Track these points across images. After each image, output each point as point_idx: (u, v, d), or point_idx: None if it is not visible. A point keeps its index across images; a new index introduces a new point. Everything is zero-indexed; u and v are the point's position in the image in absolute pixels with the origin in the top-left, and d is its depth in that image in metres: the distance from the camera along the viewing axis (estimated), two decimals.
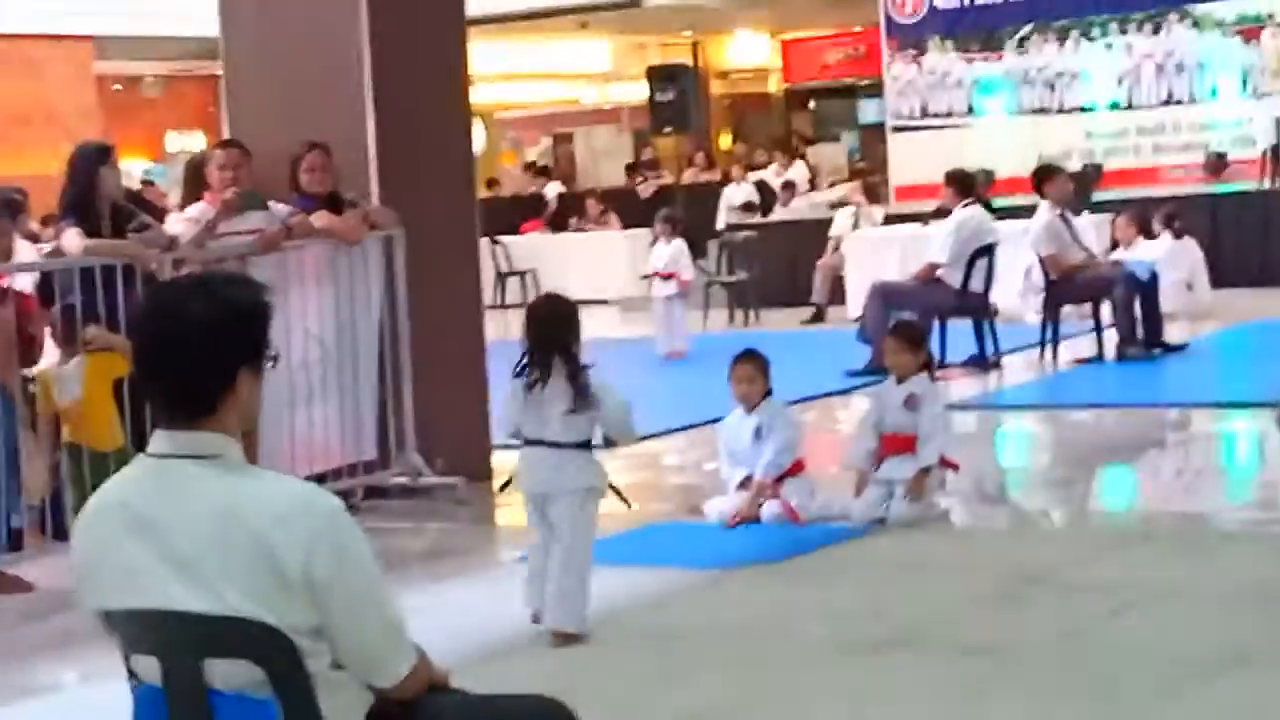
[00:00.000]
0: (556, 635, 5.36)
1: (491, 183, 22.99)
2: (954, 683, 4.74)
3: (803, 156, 22.04)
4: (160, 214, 8.15)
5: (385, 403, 7.97)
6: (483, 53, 18.88)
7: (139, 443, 2.94)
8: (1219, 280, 14.67)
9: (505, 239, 19.29)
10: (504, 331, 16.05)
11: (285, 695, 2.70)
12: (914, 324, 8.35)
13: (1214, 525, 6.85)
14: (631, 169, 23.87)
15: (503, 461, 8.67)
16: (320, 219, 7.80)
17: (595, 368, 5.45)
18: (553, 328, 5.44)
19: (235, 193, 7.51)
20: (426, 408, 8.00)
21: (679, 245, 13.46)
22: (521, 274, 19.02)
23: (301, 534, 2.68)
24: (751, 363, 7.11)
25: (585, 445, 5.43)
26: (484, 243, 12.08)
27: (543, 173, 24.86)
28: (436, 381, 8.08)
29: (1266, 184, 15.82)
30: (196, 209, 7.67)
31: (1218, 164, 17.20)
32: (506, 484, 5.81)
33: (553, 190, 23.25)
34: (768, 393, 7.08)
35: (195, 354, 2.74)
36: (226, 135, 8.39)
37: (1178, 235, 12.60)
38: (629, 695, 4.79)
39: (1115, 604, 5.36)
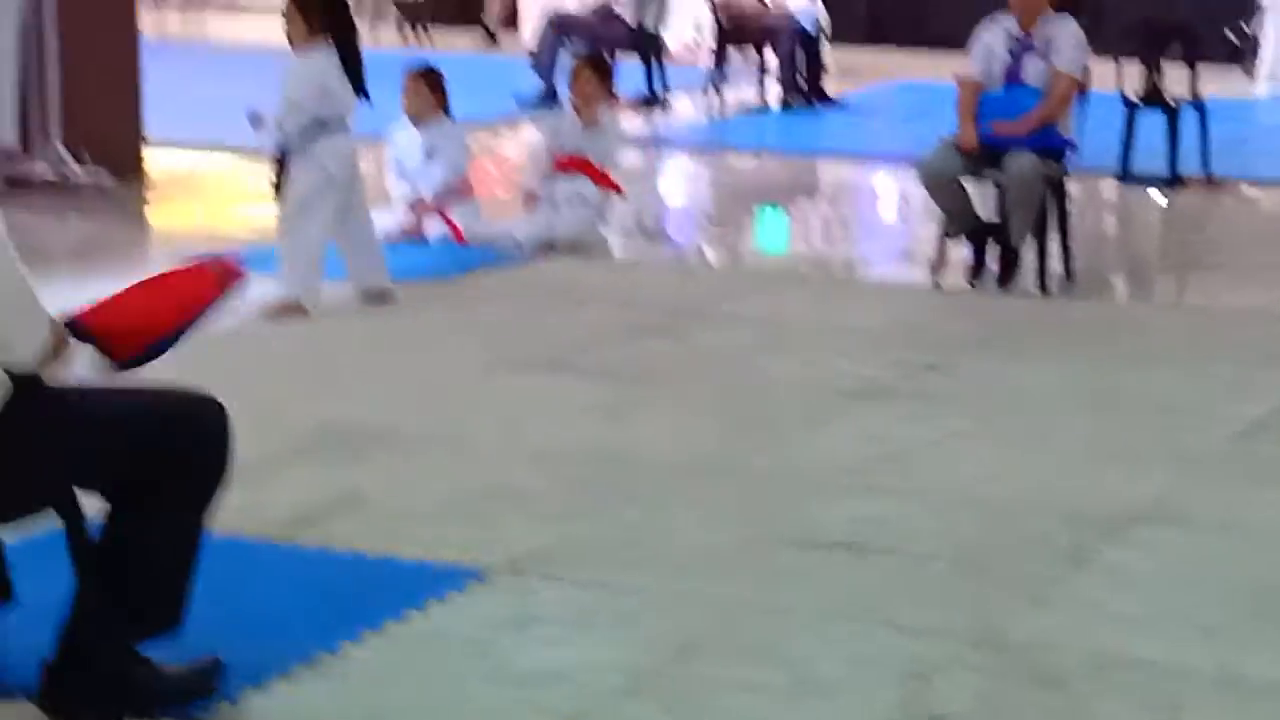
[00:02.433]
0: (374, 293, 5.95)
1: None
2: (604, 402, 4.90)
3: None
4: None
5: (30, 89, 7.57)
6: None
7: None
8: (875, 38, 15.08)
9: None
10: (162, 29, 15.48)
11: None
12: (603, 55, 8.41)
13: (857, 270, 7.20)
14: None
15: (160, 160, 8.44)
16: None
17: None
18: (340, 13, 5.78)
19: None
20: (75, 99, 7.66)
21: None
22: None
23: None
24: (423, 77, 7.01)
25: None
26: None
27: None
28: (86, 73, 7.73)
29: None
30: None
31: None
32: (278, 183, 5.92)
33: None
34: (444, 112, 7.03)
35: None
36: None
37: None
38: (274, 401, 4.79)
39: (762, 338, 5.61)
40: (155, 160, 8.42)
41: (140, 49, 8.27)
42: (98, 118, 7.79)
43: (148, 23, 10.80)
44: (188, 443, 2.90)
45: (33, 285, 2.74)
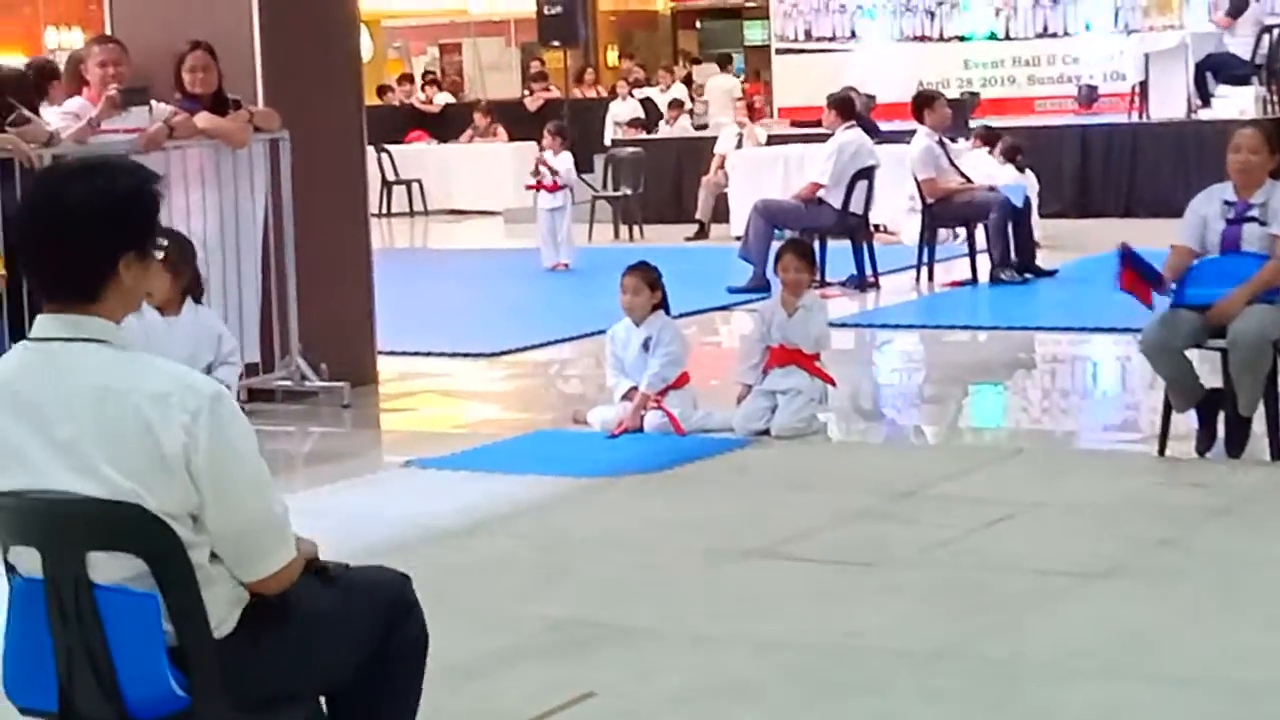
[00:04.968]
0: None
1: (381, 90, 22.74)
2: (825, 590, 4.86)
3: (688, 78, 22.01)
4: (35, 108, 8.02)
5: (270, 307, 7.96)
6: None
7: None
8: (1087, 210, 15.02)
9: (392, 147, 19.15)
10: (389, 240, 16.14)
11: (168, 588, 2.67)
12: (806, 241, 8.53)
13: (1080, 444, 7.07)
14: (526, 82, 23.74)
15: (389, 366, 8.73)
16: (204, 119, 7.72)
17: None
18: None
19: (118, 89, 7.42)
20: (312, 312, 8.01)
21: (566, 158, 13.48)
22: (407, 183, 18.93)
23: (182, 414, 2.65)
24: (640, 274, 7.18)
25: None
26: (370, 150, 11.98)
27: (431, 83, 24.61)
28: (322, 287, 8.08)
29: (1135, 118, 16.19)
30: (76, 104, 7.56)
31: (1089, 96, 17.53)
32: None
33: (440, 100, 23.05)
34: (659, 306, 7.17)
35: (74, 239, 2.69)
36: (108, 32, 8.25)
37: (1020, 169, 12.80)
38: (503, 599, 4.86)
39: (986, 518, 5.53)
40: (387, 368, 8.68)
41: (372, 267, 8.62)
42: (334, 329, 8.13)
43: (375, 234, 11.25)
44: (397, 625, 2.97)
45: (283, 507, 2.80)
